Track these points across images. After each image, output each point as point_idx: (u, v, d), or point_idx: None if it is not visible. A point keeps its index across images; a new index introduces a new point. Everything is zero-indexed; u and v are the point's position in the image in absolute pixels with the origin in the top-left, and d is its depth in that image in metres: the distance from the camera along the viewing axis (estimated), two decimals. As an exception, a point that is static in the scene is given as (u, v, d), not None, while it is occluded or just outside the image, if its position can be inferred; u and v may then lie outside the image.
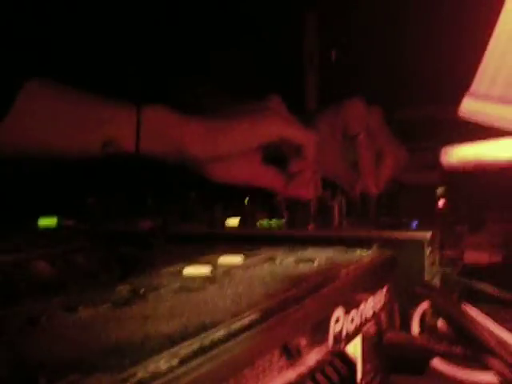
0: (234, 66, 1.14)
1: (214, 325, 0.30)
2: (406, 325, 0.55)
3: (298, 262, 0.49)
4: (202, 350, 0.26)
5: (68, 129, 0.66)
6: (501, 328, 0.54)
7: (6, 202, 0.87)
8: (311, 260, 0.48)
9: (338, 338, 0.37)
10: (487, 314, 0.55)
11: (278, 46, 1.27)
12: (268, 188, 0.77)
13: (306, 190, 0.75)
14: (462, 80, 0.87)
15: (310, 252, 0.54)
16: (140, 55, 0.99)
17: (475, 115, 0.82)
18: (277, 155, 0.79)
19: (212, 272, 0.45)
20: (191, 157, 0.69)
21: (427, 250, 0.58)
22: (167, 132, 0.68)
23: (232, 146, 0.70)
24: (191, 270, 0.45)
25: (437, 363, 0.52)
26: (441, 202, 0.89)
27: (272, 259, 0.50)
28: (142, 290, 0.39)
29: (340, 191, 0.79)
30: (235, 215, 0.73)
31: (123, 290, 0.40)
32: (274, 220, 0.72)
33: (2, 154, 0.67)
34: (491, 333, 0.49)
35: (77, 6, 0.91)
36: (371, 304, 0.44)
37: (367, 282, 0.45)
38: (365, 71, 1.33)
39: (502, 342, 0.46)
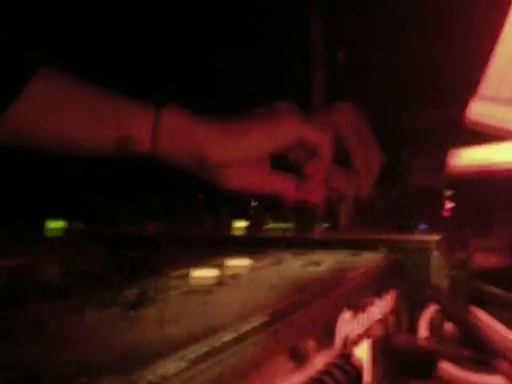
0: (240, 66, 1.14)
1: (222, 328, 0.30)
2: (413, 328, 0.55)
3: (305, 265, 0.49)
4: (210, 353, 0.26)
5: (83, 120, 0.66)
6: (509, 331, 0.54)
7: (14, 205, 0.88)
8: (318, 263, 0.48)
9: (345, 341, 0.38)
10: (495, 316, 0.55)
11: (284, 46, 1.27)
12: (280, 194, 0.76)
13: (317, 194, 0.75)
14: (469, 83, 0.87)
15: (317, 255, 0.54)
16: (150, 55, 0.99)
17: (483, 118, 0.82)
18: (282, 164, 0.79)
19: (219, 275, 0.45)
20: (209, 160, 0.69)
21: (435, 253, 0.58)
22: (185, 133, 0.68)
23: (252, 149, 0.70)
24: (199, 273, 0.46)
25: (444, 366, 0.52)
26: (448, 205, 0.89)
27: (279, 262, 0.50)
28: (150, 293, 0.39)
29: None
30: (243, 218, 0.73)
31: (131, 293, 0.40)
32: (281, 223, 0.72)
33: (14, 142, 0.66)
34: (499, 336, 0.49)
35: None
36: (379, 307, 0.44)
37: (374, 285, 0.45)
38: (372, 73, 1.33)
39: (510, 345, 0.46)
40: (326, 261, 0.49)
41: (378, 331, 0.44)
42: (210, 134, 0.69)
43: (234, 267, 0.48)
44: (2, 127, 0.63)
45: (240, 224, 0.73)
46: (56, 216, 0.80)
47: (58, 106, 0.65)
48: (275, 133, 0.71)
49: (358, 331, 0.40)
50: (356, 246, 0.56)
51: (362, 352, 0.41)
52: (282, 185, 0.77)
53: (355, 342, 0.39)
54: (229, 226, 0.74)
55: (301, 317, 0.33)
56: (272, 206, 0.74)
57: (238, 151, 0.69)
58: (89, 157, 0.69)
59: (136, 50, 0.99)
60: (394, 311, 0.48)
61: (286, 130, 0.71)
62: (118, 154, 0.67)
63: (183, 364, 0.25)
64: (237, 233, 0.72)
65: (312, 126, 0.73)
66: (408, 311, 0.52)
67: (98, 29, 0.94)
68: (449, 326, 0.56)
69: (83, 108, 0.66)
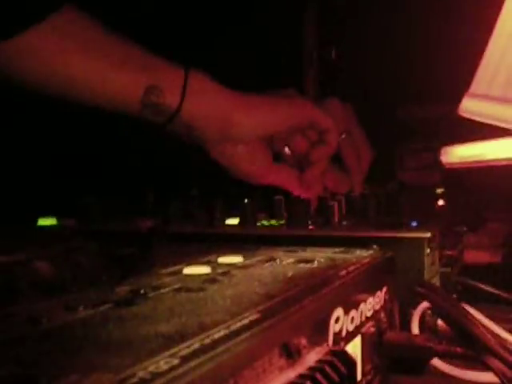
0: (234, 64, 1.14)
1: (214, 325, 0.30)
2: (405, 325, 0.55)
3: (297, 262, 0.49)
4: (202, 350, 0.26)
5: (110, 61, 0.64)
6: (500, 328, 0.55)
7: (5, 201, 0.87)
8: (311, 260, 0.48)
9: (337, 337, 0.38)
10: (487, 313, 0.55)
11: (278, 44, 1.27)
12: (281, 186, 0.77)
13: (315, 188, 0.75)
14: (462, 79, 0.87)
15: (309, 252, 0.54)
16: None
17: (475, 115, 0.82)
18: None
19: (212, 272, 0.45)
20: (233, 129, 0.68)
21: (427, 250, 0.58)
22: (213, 97, 0.68)
23: (273, 123, 0.70)
24: (191, 270, 0.45)
25: (436, 363, 0.52)
26: (441, 202, 0.89)
27: (272, 259, 0.50)
28: (142, 290, 0.39)
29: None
30: (235, 215, 0.73)
31: (123, 290, 0.40)
32: (273, 220, 0.72)
33: (35, 80, 0.64)
34: (491, 332, 0.49)
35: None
36: (371, 304, 0.44)
37: (367, 281, 0.45)
38: (366, 70, 1.33)
39: (501, 342, 0.46)
40: (317, 258, 0.49)
41: (371, 328, 0.44)
42: (238, 103, 0.69)
43: (227, 264, 0.48)
44: (24, 53, 0.61)
45: (232, 221, 0.73)
46: (47, 213, 0.79)
47: (85, 44, 0.63)
48: (294, 110, 0.71)
49: (350, 328, 0.40)
50: (348, 243, 0.56)
51: (355, 349, 0.41)
52: (284, 176, 0.77)
53: (347, 339, 0.39)
54: (221, 223, 0.74)
55: (293, 314, 0.33)
56: (264, 203, 0.74)
57: (262, 123, 0.69)
58: (109, 109, 0.67)
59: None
60: (387, 308, 0.48)
61: (302, 109, 0.72)
62: (143, 112, 0.66)
63: (175, 361, 0.25)
64: (229, 230, 0.72)
65: (323, 111, 0.74)
66: (400, 308, 0.53)
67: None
68: (441, 323, 0.56)
69: (110, 50, 0.64)
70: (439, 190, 0.92)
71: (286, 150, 0.80)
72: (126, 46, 0.65)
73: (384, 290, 0.48)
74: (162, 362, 0.24)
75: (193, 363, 0.24)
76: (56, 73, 0.63)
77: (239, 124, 0.69)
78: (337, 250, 0.54)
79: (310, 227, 0.67)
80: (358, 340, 0.41)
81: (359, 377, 0.40)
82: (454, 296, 0.69)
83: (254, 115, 0.69)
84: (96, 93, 0.65)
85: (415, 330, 0.55)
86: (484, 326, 0.48)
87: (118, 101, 0.65)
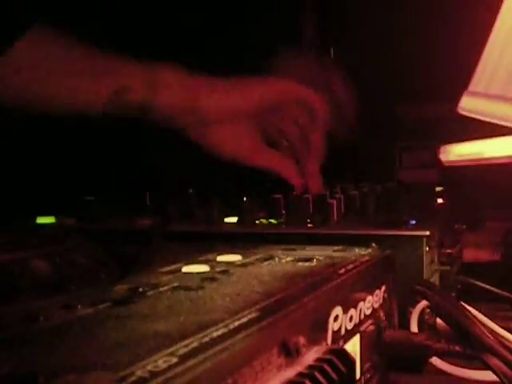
0: (230, 64, 1.14)
1: (213, 323, 0.30)
2: (404, 323, 0.55)
3: (296, 260, 0.48)
4: (201, 349, 0.26)
5: (77, 72, 0.66)
6: (499, 326, 0.55)
7: (3, 200, 0.87)
8: (309, 258, 0.48)
9: (336, 336, 0.37)
10: (486, 312, 0.55)
11: (275, 43, 1.26)
12: (280, 174, 0.77)
13: (316, 181, 0.75)
14: (460, 78, 0.87)
15: (308, 250, 0.54)
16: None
17: (474, 113, 0.82)
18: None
19: (210, 271, 0.45)
20: (204, 111, 0.70)
21: (426, 248, 0.58)
22: (181, 85, 0.69)
23: (240, 102, 0.71)
24: (190, 269, 0.45)
25: (435, 361, 0.52)
26: (439, 200, 0.89)
27: (270, 258, 0.50)
28: (141, 289, 0.39)
29: (339, 189, 0.79)
30: (233, 213, 0.73)
31: (122, 288, 0.40)
32: (272, 219, 0.71)
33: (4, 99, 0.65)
34: (490, 331, 0.49)
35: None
36: (370, 302, 0.44)
37: (366, 280, 0.45)
38: (364, 69, 1.33)
39: (500, 341, 0.46)
40: (316, 256, 0.49)
41: (370, 326, 0.44)
42: (203, 88, 0.70)
43: (225, 263, 0.48)
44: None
45: (231, 219, 0.73)
46: (46, 212, 0.79)
47: (51, 59, 0.65)
48: (273, 87, 0.72)
49: (349, 326, 0.40)
50: (347, 241, 0.56)
51: (354, 347, 0.41)
52: (278, 161, 0.78)
53: (346, 338, 0.39)
54: (220, 221, 0.74)
55: (292, 312, 0.33)
56: (263, 201, 0.74)
57: (229, 104, 0.70)
58: (81, 114, 0.69)
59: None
60: (386, 306, 0.48)
61: (284, 86, 0.73)
62: (111, 110, 0.67)
63: (174, 360, 0.24)
64: (228, 228, 0.72)
65: (310, 89, 0.74)
66: (399, 306, 0.53)
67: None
68: (440, 322, 0.56)
69: (76, 60, 0.66)
70: (438, 189, 0.92)
71: (283, 140, 0.81)
72: (90, 53, 0.67)
73: (383, 288, 0.48)
74: (160, 361, 0.24)
75: (191, 362, 0.24)
76: (21, 88, 0.65)
77: (205, 107, 0.70)
78: (336, 248, 0.54)
79: (309, 225, 0.67)
80: (356, 338, 0.41)
81: (358, 375, 0.40)
82: (453, 294, 0.69)
83: (219, 97, 0.71)
84: (65, 102, 0.67)
85: (414, 328, 0.55)
86: (483, 325, 0.48)
87: (88, 105, 0.67)
